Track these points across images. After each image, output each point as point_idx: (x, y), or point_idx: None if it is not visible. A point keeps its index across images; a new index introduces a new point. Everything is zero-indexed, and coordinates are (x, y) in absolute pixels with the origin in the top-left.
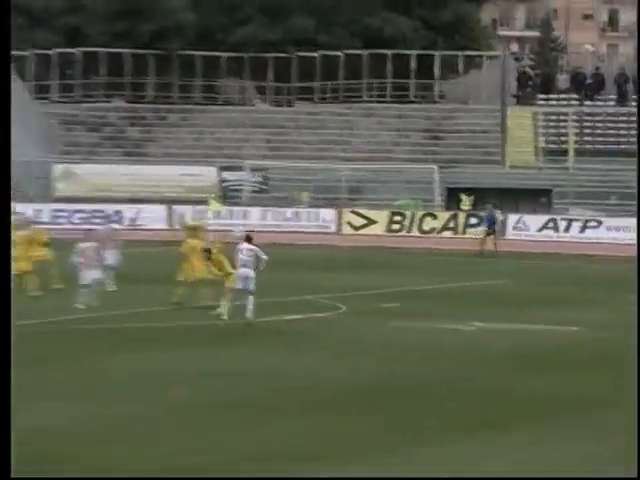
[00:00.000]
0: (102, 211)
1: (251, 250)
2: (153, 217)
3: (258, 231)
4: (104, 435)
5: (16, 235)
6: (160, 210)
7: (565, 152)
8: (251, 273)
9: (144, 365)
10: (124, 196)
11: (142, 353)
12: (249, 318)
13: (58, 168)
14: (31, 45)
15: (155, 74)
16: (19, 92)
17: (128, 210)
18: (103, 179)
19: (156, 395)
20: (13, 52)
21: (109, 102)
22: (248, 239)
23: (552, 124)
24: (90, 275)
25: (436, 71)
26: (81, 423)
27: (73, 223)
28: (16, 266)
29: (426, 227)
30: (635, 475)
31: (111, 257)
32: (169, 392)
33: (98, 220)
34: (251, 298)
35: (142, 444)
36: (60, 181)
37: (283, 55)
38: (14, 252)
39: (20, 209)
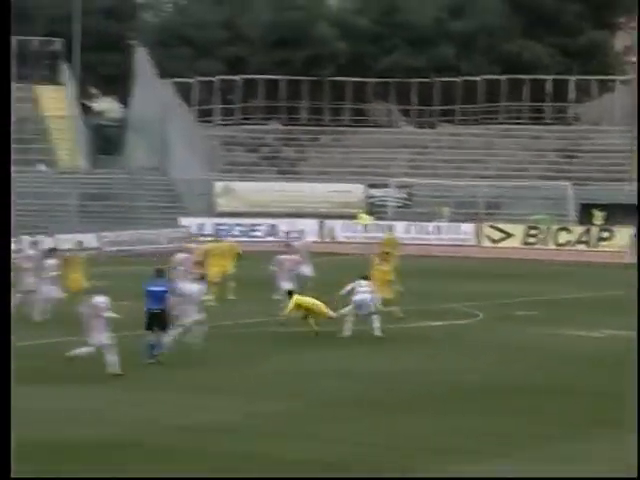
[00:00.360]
0: (259, 225)
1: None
2: (306, 230)
3: (402, 244)
4: (271, 429)
5: (212, 246)
6: (312, 224)
7: None
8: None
9: (298, 364)
10: (279, 211)
11: (297, 355)
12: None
13: (219, 185)
14: (196, 73)
15: (308, 98)
16: (185, 116)
17: (283, 224)
18: (260, 195)
19: (310, 392)
20: (179, 80)
21: (266, 124)
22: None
23: None
24: (284, 286)
25: (571, 94)
26: (252, 418)
27: (234, 236)
28: (210, 274)
29: (561, 240)
30: (635, 475)
31: (306, 268)
32: (319, 390)
33: (258, 233)
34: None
35: (294, 439)
36: (221, 197)
37: (426, 80)
38: (210, 261)
39: (185, 223)
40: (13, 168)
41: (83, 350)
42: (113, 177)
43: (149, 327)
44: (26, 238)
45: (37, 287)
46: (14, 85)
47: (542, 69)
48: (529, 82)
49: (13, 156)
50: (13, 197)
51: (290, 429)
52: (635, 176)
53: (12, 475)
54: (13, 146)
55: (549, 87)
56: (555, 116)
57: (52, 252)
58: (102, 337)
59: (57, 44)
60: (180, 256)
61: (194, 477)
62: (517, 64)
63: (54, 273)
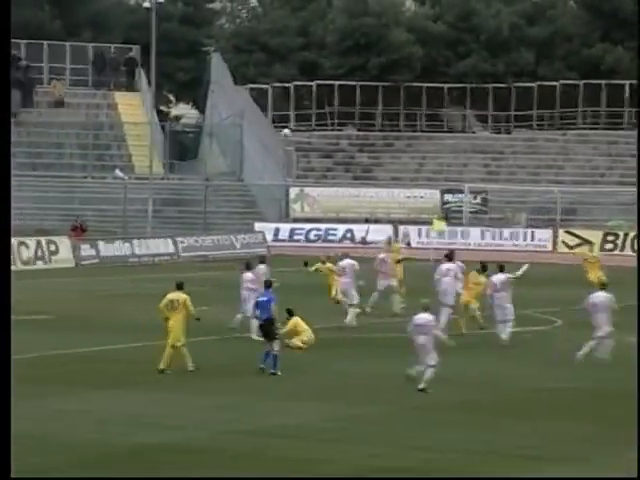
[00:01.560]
0: (335, 229)
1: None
2: (380, 236)
3: (477, 250)
4: (348, 434)
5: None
6: (387, 229)
7: None
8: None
9: (389, 370)
10: (354, 216)
11: (389, 359)
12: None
13: (294, 191)
14: (271, 79)
15: (383, 104)
16: (260, 122)
17: (358, 229)
18: (335, 201)
19: (400, 398)
20: (254, 85)
21: (341, 130)
22: (449, 257)
23: None
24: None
25: None
26: (329, 422)
27: (309, 241)
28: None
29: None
30: (635, 475)
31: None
32: (409, 396)
33: (334, 238)
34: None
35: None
36: (296, 203)
37: (502, 85)
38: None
39: (259, 228)
40: (91, 174)
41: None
42: (189, 183)
43: (263, 336)
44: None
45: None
46: (92, 92)
47: (621, 74)
48: (607, 87)
49: (91, 162)
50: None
51: (373, 436)
52: None
53: (12, 475)
54: (91, 152)
55: (627, 92)
56: (633, 121)
57: None
58: None
59: (134, 51)
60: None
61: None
62: (595, 69)
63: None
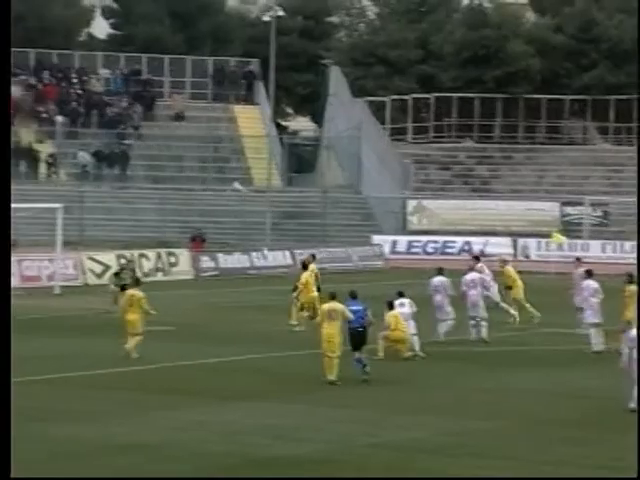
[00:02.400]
0: (453, 242)
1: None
2: (499, 249)
3: (598, 263)
4: (481, 448)
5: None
6: (505, 242)
7: None
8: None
9: (499, 383)
10: (472, 229)
11: (498, 373)
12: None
13: (412, 203)
14: (389, 91)
15: (502, 116)
16: (378, 135)
17: (476, 242)
18: (453, 213)
19: (511, 411)
20: (372, 98)
21: (459, 142)
22: (589, 274)
23: None
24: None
25: None
26: (460, 436)
27: (427, 253)
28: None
29: None
30: (635, 475)
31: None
32: (524, 408)
33: (452, 250)
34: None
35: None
36: (413, 215)
37: (624, 97)
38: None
39: (377, 240)
40: (211, 187)
41: None
42: (307, 195)
43: (354, 345)
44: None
45: None
46: (212, 105)
47: None
48: None
49: (210, 175)
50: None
51: (489, 449)
52: None
53: (12, 475)
54: (211, 165)
55: None
56: None
57: None
58: None
59: (253, 64)
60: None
61: None
62: None
63: None
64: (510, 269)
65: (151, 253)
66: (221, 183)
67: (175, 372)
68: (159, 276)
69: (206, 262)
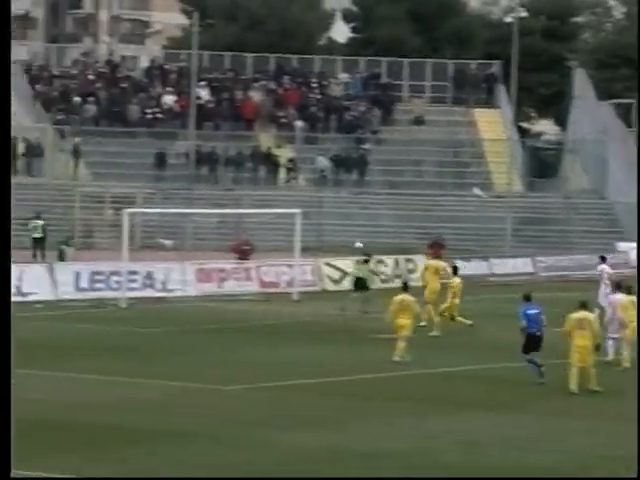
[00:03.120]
0: None
1: None
2: None
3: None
4: None
5: None
6: None
7: None
8: None
9: None
10: None
11: None
12: None
13: None
14: (636, 93)
15: None
16: (625, 138)
17: None
18: None
19: None
20: (619, 101)
21: None
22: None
23: None
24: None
25: None
26: None
27: None
28: None
29: None
30: (635, 475)
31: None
32: None
33: None
34: None
35: None
36: None
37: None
38: None
39: (622, 248)
40: (450, 192)
41: None
42: (549, 201)
43: (527, 349)
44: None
45: None
46: (452, 109)
47: None
48: None
49: (449, 180)
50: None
51: None
52: None
53: (12, 475)
54: (450, 170)
55: None
56: None
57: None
58: None
59: (494, 67)
60: None
61: None
62: None
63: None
64: None
65: (389, 259)
66: (460, 188)
67: (409, 380)
68: (397, 283)
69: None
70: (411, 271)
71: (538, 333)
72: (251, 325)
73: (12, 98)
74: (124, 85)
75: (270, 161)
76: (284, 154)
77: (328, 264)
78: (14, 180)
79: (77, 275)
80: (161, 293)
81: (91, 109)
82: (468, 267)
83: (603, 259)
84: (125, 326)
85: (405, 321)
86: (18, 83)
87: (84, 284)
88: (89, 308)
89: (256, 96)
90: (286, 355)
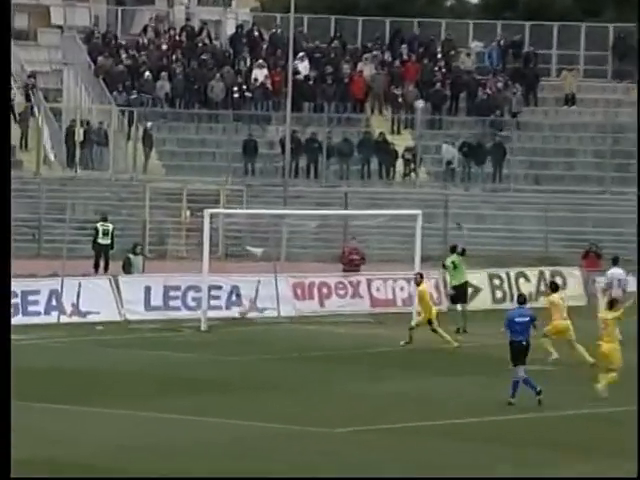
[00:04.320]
0: None
1: None
2: None
3: None
4: None
5: None
6: None
7: None
8: None
9: None
10: None
11: None
12: None
13: None
14: None
15: None
16: None
17: None
18: None
19: None
20: None
21: None
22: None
23: None
24: None
25: None
26: None
27: None
28: None
29: None
30: (635, 475)
31: None
32: None
33: None
34: None
35: None
36: None
37: None
38: None
39: None
40: (609, 189)
41: None
42: None
43: (514, 360)
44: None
45: None
46: (612, 85)
47: None
48: None
49: (609, 173)
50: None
51: None
52: None
53: (12, 475)
54: (609, 161)
55: None
56: None
57: None
58: None
59: None
60: None
61: None
62: None
63: None
64: None
65: (531, 272)
66: (622, 184)
67: (552, 423)
68: (541, 301)
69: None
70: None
71: (524, 342)
72: (360, 353)
73: (68, 73)
74: (205, 57)
75: (384, 151)
76: (401, 142)
77: None
78: (69, 174)
79: (147, 290)
80: (250, 313)
81: (165, 87)
82: (633, 282)
83: None
84: (206, 353)
85: (607, 346)
86: (76, 55)
87: (156, 301)
88: (161, 331)
89: (367, 70)
90: (404, 389)
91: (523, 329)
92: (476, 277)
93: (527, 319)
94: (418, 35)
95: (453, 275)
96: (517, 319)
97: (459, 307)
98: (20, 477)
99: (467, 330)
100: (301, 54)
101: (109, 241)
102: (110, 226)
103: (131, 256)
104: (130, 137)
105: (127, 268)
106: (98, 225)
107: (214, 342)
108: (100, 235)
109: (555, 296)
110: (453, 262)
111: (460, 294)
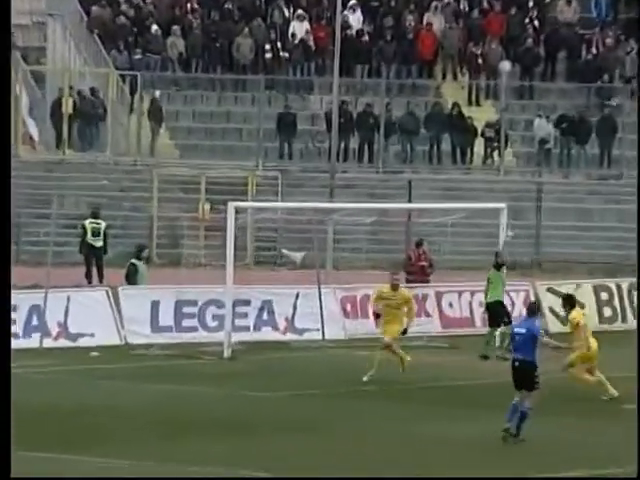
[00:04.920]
0: None
1: None
2: None
3: None
4: None
5: None
6: None
7: None
8: None
9: None
10: None
11: None
12: None
13: None
14: None
15: None
16: None
17: None
18: None
19: None
20: None
21: None
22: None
23: None
24: None
25: None
26: None
27: None
28: None
29: None
30: (635, 475)
31: None
32: None
33: None
34: None
35: None
36: None
37: None
38: None
39: None
40: None
41: None
42: None
43: (516, 385)
44: None
45: None
46: None
47: None
48: None
49: None
50: None
51: None
52: None
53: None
54: None
55: None
56: None
57: None
58: None
59: None
60: None
61: None
62: None
63: None
64: None
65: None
66: None
67: None
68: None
69: None
70: None
71: (517, 363)
72: (429, 387)
73: (54, 26)
74: (229, 6)
75: (459, 127)
76: (482, 116)
77: (551, 289)
78: (55, 157)
79: (155, 306)
80: (286, 335)
81: (177, 45)
82: None
83: None
84: (230, 387)
85: None
86: (63, 4)
87: (165, 320)
88: (173, 358)
89: (437, 23)
90: (486, 434)
91: (520, 345)
92: (578, 291)
93: (524, 331)
94: None
95: (488, 292)
96: (516, 329)
97: (498, 330)
98: (20, 477)
99: (489, 357)
100: (352, 2)
101: (101, 243)
102: (102, 224)
103: (135, 262)
104: (133, 110)
105: (132, 278)
106: (86, 223)
107: (239, 373)
108: (89, 235)
109: (575, 314)
110: (488, 278)
111: (492, 315)
